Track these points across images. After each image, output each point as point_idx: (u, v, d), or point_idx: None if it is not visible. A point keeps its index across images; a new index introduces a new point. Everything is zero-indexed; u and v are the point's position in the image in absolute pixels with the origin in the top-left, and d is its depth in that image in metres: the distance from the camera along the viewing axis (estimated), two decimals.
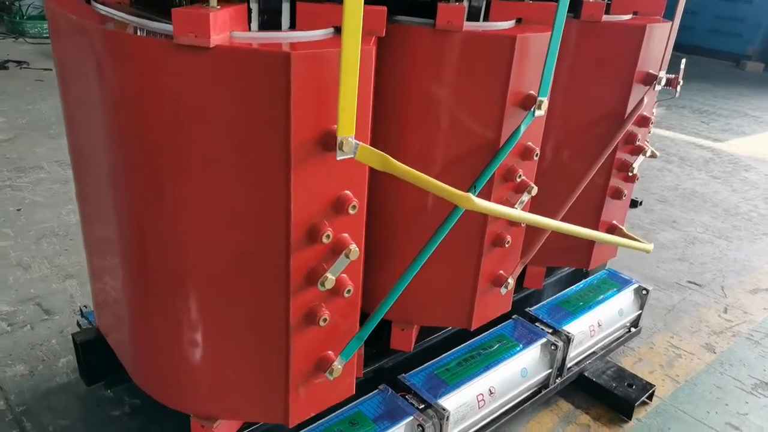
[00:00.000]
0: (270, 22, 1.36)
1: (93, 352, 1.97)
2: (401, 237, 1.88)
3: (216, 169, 1.27)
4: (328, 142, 1.27)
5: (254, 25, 1.34)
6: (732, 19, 10.98)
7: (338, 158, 1.25)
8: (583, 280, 2.69)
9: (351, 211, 1.35)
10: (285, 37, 1.30)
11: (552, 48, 1.60)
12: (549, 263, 2.49)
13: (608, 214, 2.39)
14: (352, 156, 1.27)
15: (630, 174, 2.29)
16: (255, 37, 1.27)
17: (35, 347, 2.55)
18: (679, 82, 2.24)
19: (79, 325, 2.24)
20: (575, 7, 2.05)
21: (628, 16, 2.21)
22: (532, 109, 1.69)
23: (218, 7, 1.20)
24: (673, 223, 4.33)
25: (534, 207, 2.29)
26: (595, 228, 2.38)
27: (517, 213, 1.64)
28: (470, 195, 1.31)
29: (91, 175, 1.62)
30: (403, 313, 1.93)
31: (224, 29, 1.20)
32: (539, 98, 1.67)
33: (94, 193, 1.64)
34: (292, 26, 1.40)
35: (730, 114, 7.72)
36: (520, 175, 1.80)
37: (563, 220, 2.11)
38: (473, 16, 1.77)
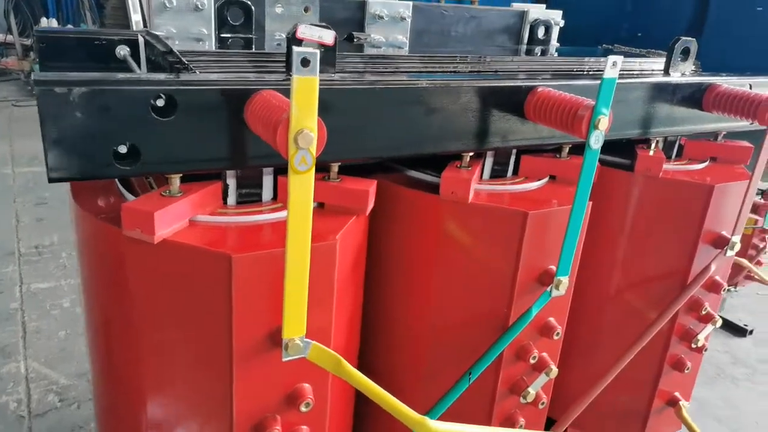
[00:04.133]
0: (250, 196, 1.32)
1: None
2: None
3: (166, 353, 1.23)
4: (277, 338, 1.18)
5: (231, 199, 1.31)
6: None
7: (283, 359, 1.16)
8: None
9: (303, 409, 1.25)
10: (252, 220, 1.25)
11: (572, 227, 1.42)
12: None
13: (668, 385, 2.06)
14: (303, 356, 1.17)
15: (694, 345, 1.96)
16: (217, 222, 1.22)
17: (75, 429, 2.66)
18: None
19: None
20: (630, 158, 1.84)
21: (703, 164, 1.95)
22: (549, 288, 1.50)
23: (179, 194, 1.18)
24: None
25: (581, 366, 2.05)
26: (651, 397, 2.07)
27: None
28: (426, 419, 1.15)
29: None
30: None
31: (181, 217, 1.17)
32: (557, 277, 1.48)
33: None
34: (275, 197, 1.36)
35: None
36: (534, 356, 1.59)
37: (614, 383, 1.85)
38: (498, 173, 1.64)
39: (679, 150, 2.00)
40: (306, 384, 1.27)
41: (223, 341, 1.16)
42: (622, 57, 1.29)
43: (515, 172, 1.68)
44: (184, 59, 1.24)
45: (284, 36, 1.84)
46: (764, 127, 1.75)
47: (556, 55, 2.34)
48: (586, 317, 2.03)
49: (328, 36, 1.23)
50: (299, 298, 1.10)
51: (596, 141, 1.33)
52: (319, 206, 1.34)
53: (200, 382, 1.22)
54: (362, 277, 1.49)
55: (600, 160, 1.87)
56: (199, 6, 1.76)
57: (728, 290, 3.71)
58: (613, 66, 1.28)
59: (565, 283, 1.48)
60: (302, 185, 1.02)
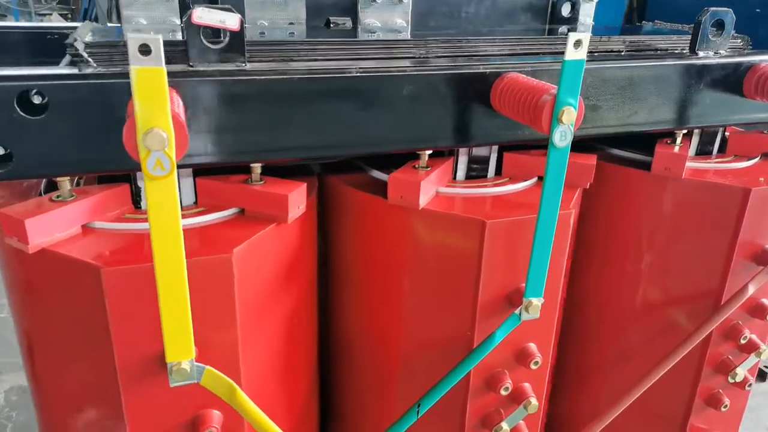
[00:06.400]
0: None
1: None
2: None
3: (59, 373, 1.15)
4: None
5: (144, 203, 1.20)
6: None
7: (171, 385, 1.04)
8: None
9: None
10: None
11: (540, 240, 1.18)
12: None
13: (703, 420, 1.74)
14: (196, 381, 1.05)
15: (732, 380, 1.63)
16: (112, 229, 1.12)
17: None
18: None
19: None
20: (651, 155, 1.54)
21: (750, 162, 1.61)
22: (518, 310, 1.27)
23: (71, 198, 1.09)
24: None
25: (595, 393, 1.80)
26: None
27: None
28: None
29: None
30: None
31: (71, 224, 1.08)
32: (527, 298, 1.25)
33: None
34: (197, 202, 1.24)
35: None
36: (506, 387, 1.37)
37: (634, 412, 1.58)
38: (477, 172, 1.43)
39: (723, 145, 1.68)
40: (214, 411, 1.14)
41: (107, 362, 1.05)
42: (588, 34, 1.04)
43: (499, 171, 1.46)
44: (84, 53, 1.14)
45: (266, 24, 1.72)
46: None
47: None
48: (601, 339, 1.76)
49: (233, 20, 1.08)
50: (180, 319, 0.97)
51: (562, 138, 1.09)
52: (241, 212, 1.21)
53: (94, 406, 1.13)
54: (303, 290, 1.34)
55: (615, 157, 1.62)
56: None
57: None
58: (575, 46, 1.03)
59: (536, 305, 1.25)
60: (161, 192, 0.88)
